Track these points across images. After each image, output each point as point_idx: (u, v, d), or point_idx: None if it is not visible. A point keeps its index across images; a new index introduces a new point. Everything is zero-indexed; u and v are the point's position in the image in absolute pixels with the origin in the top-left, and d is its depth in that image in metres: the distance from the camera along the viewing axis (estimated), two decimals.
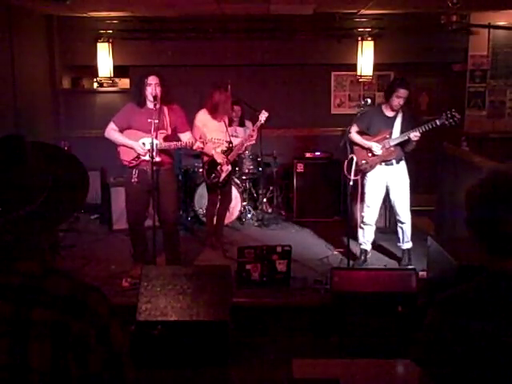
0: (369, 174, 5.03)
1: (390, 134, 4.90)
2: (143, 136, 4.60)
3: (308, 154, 6.92)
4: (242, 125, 6.15)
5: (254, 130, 5.44)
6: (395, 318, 3.87)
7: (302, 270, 4.96)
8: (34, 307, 1.22)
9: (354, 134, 5.02)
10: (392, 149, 4.91)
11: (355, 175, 4.92)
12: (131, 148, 4.64)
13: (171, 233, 4.92)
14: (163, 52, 7.09)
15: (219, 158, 5.31)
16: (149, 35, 7.11)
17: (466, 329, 1.32)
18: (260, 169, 6.61)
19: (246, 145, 5.60)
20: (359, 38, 7.09)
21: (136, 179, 4.66)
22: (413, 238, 5.15)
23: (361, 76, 7.19)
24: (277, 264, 4.58)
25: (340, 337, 3.92)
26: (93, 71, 7.34)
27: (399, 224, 5.12)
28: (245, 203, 6.64)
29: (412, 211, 5.12)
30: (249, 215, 6.72)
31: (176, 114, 4.76)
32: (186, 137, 4.81)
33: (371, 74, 7.14)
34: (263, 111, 5.24)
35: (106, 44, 7.07)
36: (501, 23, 7.03)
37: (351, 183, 4.90)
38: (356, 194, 5.13)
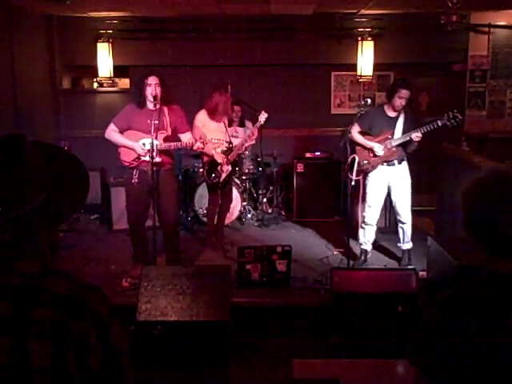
0: (370, 174, 5.03)
1: (392, 134, 4.90)
2: (143, 137, 4.60)
3: (308, 154, 6.92)
4: (242, 125, 6.15)
5: (253, 133, 5.45)
6: (395, 317, 3.87)
7: (302, 270, 4.96)
8: (34, 307, 1.22)
9: (356, 134, 5.02)
10: (394, 149, 4.91)
11: (357, 175, 4.92)
12: (131, 149, 4.65)
13: (171, 233, 4.92)
14: (163, 52, 7.09)
15: (219, 158, 5.32)
16: (149, 35, 7.11)
17: (462, 329, 1.32)
18: (260, 169, 6.61)
19: (245, 145, 5.61)
20: (359, 38, 7.09)
21: (136, 180, 4.66)
22: (413, 238, 5.15)
23: (361, 76, 7.19)
24: (277, 264, 4.58)
25: (340, 337, 3.92)
26: (93, 71, 7.35)
27: (400, 224, 5.12)
28: (245, 203, 6.64)
29: (412, 211, 5.12)
30: (249, 215, 6.72)
31: (176, 114, 4.76)
32: (186, 137, 4.81)
33: (371, 74, 7.14)
34: (263, 112, 5.24)
35: (106, 44, 7.07)
36: (501, 23, 7.03)
37: (353, 183, 4.90)
38: (357, 193, 5.13)
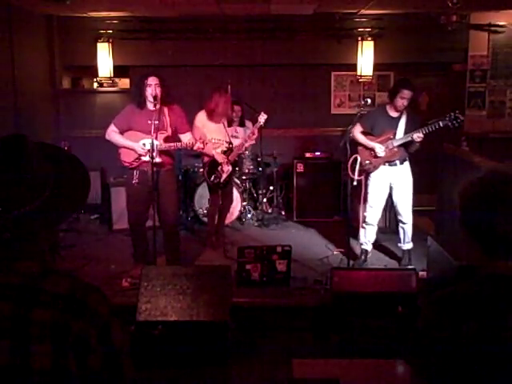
0: (372, 175, 5.03)
1: (394, 134, 4.90)
2: (144, 137, 4.61)
3: (308, 154, 6.92)
4: (242, 125, 6.16)
5: (253, 133, 5.45)
6: (395, 318, 3.87)
7: (302, 270, 4.96)
8: (34, 307, 1.22)
9: (358, 134, 5.02)
10: (395, 149, 4.91)
11: (359, 175, 4.93)
12: (132, 149, 4.65)
13: (171, 233, 4.93)
14: (163, 52, 7.09)
15: (220, 158, 5.33)
16: (149, 35, 7.10)
17: (457, 329, 1.31)
18: (260, 169, 6.61)
19: (246, 145, 5.61)
20: (359, 38, 7.09)
21: (137, 180, 4.67)
22: (413, 238, 5.15)
23: (361, 76, 7.19)
24: (277, 264, 4.58)
25: (340, 337, 3.92)
26: (93, 71, 7.34)
27: (401, 224, 5.12)
28: (245, 203, 6.64)
29: (412, 211, 5.12)
30: (249, 215, 6.72)
31: (176, 114, 4.76)
32: (186, 137, 4.81)
33: (371, 74, 7.14)
34: (262, 113, 5.25)
35: (106, 44, 7.06)
36: (501, 23, 7.03)
37: (355, 183, 4.91)
38: (357, 193, 5.13)
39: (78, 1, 5.78)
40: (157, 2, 5.87)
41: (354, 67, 7.16)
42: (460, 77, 7.29)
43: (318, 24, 7.06)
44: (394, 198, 5.06)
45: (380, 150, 4.89)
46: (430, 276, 4.44)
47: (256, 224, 6.65)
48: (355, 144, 5.05)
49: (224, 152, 5.39)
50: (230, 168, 5.44)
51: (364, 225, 5.15)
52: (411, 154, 4.98)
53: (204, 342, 3.64)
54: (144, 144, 4.60)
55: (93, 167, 6.18)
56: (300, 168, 6.80)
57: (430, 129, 4.70)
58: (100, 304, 1.28)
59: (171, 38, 7.09)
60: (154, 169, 4.56)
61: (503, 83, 7.27)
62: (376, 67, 7.12)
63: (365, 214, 5.11)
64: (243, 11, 6.54)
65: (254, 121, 5.46)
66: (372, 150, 4.94)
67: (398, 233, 5.23)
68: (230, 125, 5.64)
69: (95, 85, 7.99)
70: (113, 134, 4.72)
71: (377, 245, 5.40)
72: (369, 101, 5.17)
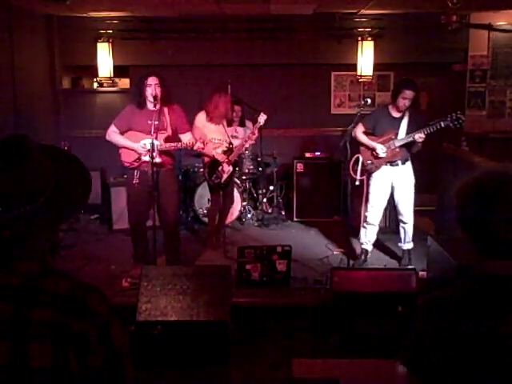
0: (374, 175, 5.03)
1: (396, 134, 4.89)
2: (144, 137, 4.61)
3: (308, 154, 6.92)
4: (242, 125, 6.15)
5: (253, 133, 5.46)
6: (395, 318, 3.87)
7: (302, 270, 4.96)
8: (34, 307, 1.22)
9: (360, 134, 5.01)
10: (397, 150, 4.91)
11: (361, 175, 4.94)
12: (132, 150, 4.66)
13: (171, 234, 4.93)
14: (163, 52, 7.09)
15: (220, 158, 5.34)
16: (149, 35, 7.11)
17: (451, 329, 1.32)
18: (260, 169, 6.61)
19: (246, 145, 5.62)
20: (359, 38, 7.08)
21: (137, 180, 4.67)
22: (413, 238, 5.15)
23: (361, 76, 7.19)
24: (277, 264, 4.58)
25: (340, 337, 3.92)
26: (93, 71, 7.34)
27: (401, 224, 5.13)
28: (245, 203, 6.65)
29: (413, 211, 5.12)
30: (249, 215, 6.72)
31: (176, 114, 4.76)
32: (186, 137, 4.81)
33: (371, 73, 7.14)
34: (262, 113, 5.26)
35: (106, 44, 7.06)
36: (501, 23, 7.03)
37: (357, 183, 4.91)
38: (358, 193, 5.14)
39: (78, 1, 5.78)
40: (157, 1, 5.87)
41: (354, 67, 7.16)
42: (460, 77, 7.29)
43: (318, 24, 7.06)
44: (396, 198, 5.06)
45: (381, 150, 4.89)
46: (430, 276, 4.44)
47: (256, 224, 6.65)
48: (357, 144, 5.05)
49: (224, 152, 5.39)
50: (231, 168, 5.44)
51: (365, 224, 5.15)
52: (413, 154, 4.98)
53: (204, 341, 3.64)
54: (144, 144, 4.60)
55: (93, 167, 6.16)
56: (300, 168, 6.80)
57: (432, 129, 4.69)
58: (100, 304, 1.28)
59: (171, 37, 7.09)
60: (155, 169, 4.56)
61: (503, 83, 7.26)
62: (376, 67, 7.12)
63: (366, 213, 5.11)
64: (243, 11, 6.54)
65: (254, 121, 5.46)
66: (374, 150, 4.94)
67: (398, 232, 5.23)
68: (230, 125, 5.64)
69: (95, 85, 7.98)
70: (113, 134, 4.73)
71: (377, 244, 5.41)
72: (369, 101, 5.16)
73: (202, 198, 6.35)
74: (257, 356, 3.82)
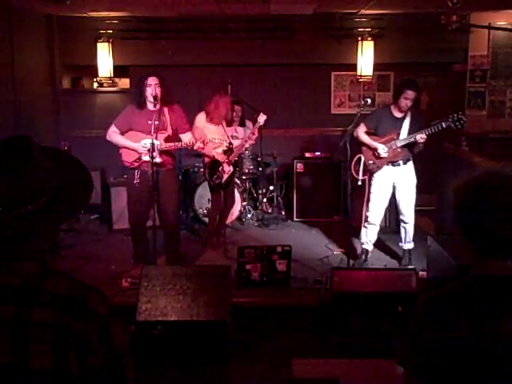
0: (376, 175, 5.04)
1: (398, 135, 4.89)
2: (144, 137, 4.61)
3: (308, 154, 6.92)
4: (242, 125, 6.16)
5: (253, 133, 5.46)
6: (395, 318, 3.87)
7: (302, 270, 4.96)
8: (35, 308, 1.22)
9: (362, 134, 5.02)
10: (399, 150, 4.91)
11: (363, 175, 4.94)
12: (133, 150, 4.66)
13: (172, 234, 4.94)
14: (163, 52, 7.09)
15: (220, 158, 5.35)
16: (149, 35, 7.11)
17: (448, 329, 1.32)
18: (260, 169, 6.61)
19: (246, 145, 5.62)
20: (359, 38, 7.08)
21: (138, 180, 4.68)
22: (413, 238, 5.16)
23: (361, 76, 7.19)
24: (277, 264, 4.58)
25: (340, 337, 3.92)
26: (93, 71, 7.34)
27: (402, 224, 5.13)
28: (245, 203, 6.65)
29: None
30: (249, 215, 6.72)
31: (176, 114, 4.77)
32: (186, 137, 4.82)
33: (371, 73, 7.14)
34: (261, 114, 5.26)
35: (106, 44, 7.06)
36: (501, 23, 7.03)
37: (359, 183, 4.92)
38: (359, 193, 5.14)
39: (78, 1, 5.78)
40: (157, 1, 5.87)
41: (354, 67, 7.16)
42: (460, 77, 7.29)
43: (318, 24, 7.06)
44: (397, 198, 5.06)
45: (383, 150, 4.89)
46: (430, 276, 4.44)
47: (256, 224, 6.65)
48: (358, 144, 5.05)
49: (224, 152, 5.40)
50: (231, 168, 5.44)
51: (366, 224, 5.15)
52: (415, 154, 4.97)
53: (204, 341, 3.64)
54: (145, 144, 4.60)
55: (93, 167, 6.16)
56: (300, 168, 6.80)
57: (433, 130, 4.69)
58: (100, 304, 1.28)
59: (171, 37, 7.09)
60: (155, 169, 4.57)
61: (503, 83, 7.26)
62: (376, 67, 7.12)
63: (367, 213, 5.11)
64: (243, 11, 6.53)
65: (255, 121, 5.47)
66: (375, 150, 4.95)
67: (398, 232, 5.24)
68: (230, 125, 5.64)
69: (95, 85, 7.98)
70: (113, 134, 4.73)
71: (377, 244, 5.41)
72: (369, 101, 5.16)
73: (202, 198, 6.35)
74: (257, 356, 3.82)
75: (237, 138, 5.64)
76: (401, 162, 4.97)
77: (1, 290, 1.24)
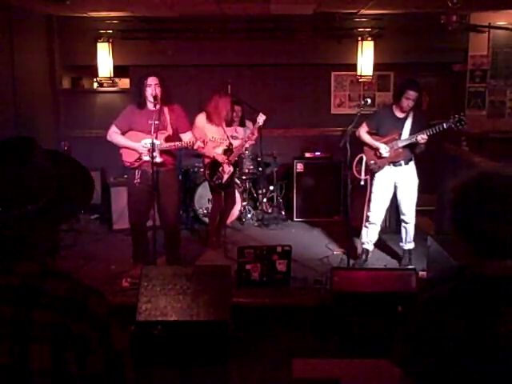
0: (377, 174, 5.04)
1: (399, 135, 4.89)
2: (145, 137, 4.61)
3: (308, 154, 6.92)
4: (242, 125, 6.16)
5: (253, 133, 5.46)
6: (395, 318, 3.87)
7: (302, 270, 4.96)
8: (34, 308, 1.22)
9: (364, 134, 5.02)
10: (400, 150, 4.91)
11: (364, 175, 4.95)
12: (133, 149, 4.66)
13: (172, 234, 4.94)
14: (163, 52, 7.09)
15: (220, 159, 5.35)
16: (149, 35, 7.11)
17: (444, 329, 1.31)
18: (260, 169, 6.61)
19: (246, 145, 5.62)
20: (359, 38, 7.08)
21: (138, 180, 4.68)
22: (413, 238, 5.16)
23: (361, 76, 7.18)
24: (277, 264, 4.58)
25: (340, 337, 3.92)
26: (93, 71, 7.34)
27: (403, 224, 5.13)
28: (245, 203, 6.65)
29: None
30: (249, 215, 6.72)
31: (176, 114, 4.77)
32: (187, 137, 4.82)
33: (371, 74, 7.14)
34: (260, 114, 5.26)
35: (106, 44, 7.06)
36: (501, 23, 7.03)
37: (362, 183, 4.93)
38: (357, 193, 5.14)
39: (78, 1, 5.78)
40: (157, 1, 5.87)
41: (354, 67, 7.16)
42: (460, 77, 7.29)
43: (318, 24, 7.06)
44: (398, 198, 5.07)
45: (384, 150, 4.90)
46: (430, 276, 4.44)
47: (256, 224, 6.65)
48: (359, 144, 5.06)
49: (224, 152, 5.40)
50: (231, 169, 5.45)
51: (367, 224, 5.15)
52: (418, 154, 4.97)
53: (204, 341, 3.64)
54: (145, 144, 4.60)
55: (93, 167, 6.15)
56: (300, 168, 6.80)
57: (434, 130, 4.69)
58: (100, 305, 1.28)
59: (171, 37, 7.09)
60: (156, 168, 4.57)
61: (503, 83, 7.26)
62: (376, 67, 7.12)
63: (368, 213, 5.12)
64: (243, 11, 6.54)
65: (254, 121, 5.47)
66: (377, 149, 4.95)
67: (398, 232, 5.24)
68: (230, 125, 5.64)
69: (95, 85, 7.98)
70: (114, 134, 4.74)
71: (377, 244, 5.41)
72: (369, 101, 5.16)
73: (202, 198, 6.35)
74: (257, 356, 3.82)
75: (237, 138, 5.64)
76: (402, 162, 4.97)
77: (1, 290, 1.24)
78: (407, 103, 4.77)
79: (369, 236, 5.16)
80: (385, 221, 6.11)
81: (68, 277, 1.32)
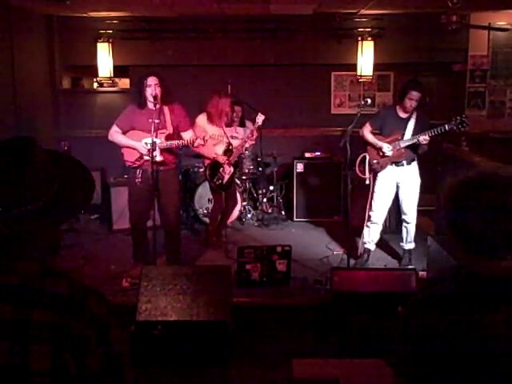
0: (380, 174, 5.05)
1: (402, 135, 4.90)
2: (146, 136, 4.61)
3: (308, 154, 6.92)
4: (242, 125, 6.16)
5: (252, 133, 5.46)
6: (395, 317, 3.87)
7: (302, 270, 4.96)
8: (34, 308, 1.22)
9: (368, 133, 5.03)
10: (402, 150, 4.92)
11: (368, 174, 4.97)
12: (134, 149, 4.67)
13: (172, 234, 4.93)
14: (163, 52, 7.09)
15: (221, 159, 5.35)
16: (149, 35, 7.11)
17: (436, 329, 1.32)
18: (260, 169, 6.61)
19: (246, 145, 5.62)
20: (359, 38, 7.09)
21: (139, 179, 4.68)
22: (414, 238, 5.16)
23: (361, 76, 7.19)
24: (277, 264, 4.58)
25: (340, 337, 3.92)
26: (93, 71, 7.35)
27: (404, 224, 5.14)
28: (245, 203, 6.65)
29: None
30: (249, 215, 6.72)
31: (177, 113, 4.78)
32: (188, 135, 4.82)
33: (371, 74, 7.14)
34: (259, 114, 5.26)
35: (106, 44, 7.06)
36: (501, 23, 7.03)
37: (367, 182, 4.94)
38: (357, 193, 5.14)
39: (78, 1, 5.79)
40: (157, 1, 5.87)
41: (354, 67, 7.16)
42: (460, 77, 7.29)
43: (318, 24, 7.06)
44: (400, 197, 5.07)
45: (387, 149, 4.91)
46: (429, 276, 4.44)
47: (256, 224, 6.65)
48: (359, 143, 5.06)
49: (224, 152, 5.40)
50: (232, 169, 5.45)
51: (369, 223, 5.15)
52: (420, 155, 4.97)
53: (204, 341, 3.64)
54: (146, 143, 4.61)
55: (93, 167, 6.15)
56: (300, 168, 6.80)
57: (436, 132, 4.70)
58: (99, 306, 1.28)
59: (171, 37, 7.09)
60: (157, 167, 4.58)
61: (503, 83, 7.27)
62: (376, 67, 7.12)
63: (370, 212, 5.12)
64: (243, 11, 6.54)
65: (254, 121, 5.47)
66: (380, 149, 4.95)
67: (399, 232, 5.25)
68: (230, 125, 5.65)
69: (95, 85, 7.99)
70: (115, 134, 4.74)
71: (378, 244, 5.41)
72: (369, 101, 5.16)
73: (202, 198, 6.36)
74: (257, 356, 3.82)
75: (237, 138, 5.64)
76: (404, 162, 4.97)
77: (1, 289, 1.24)
78: (410, 103, 4.78)
79: (371, 236, 5.16)
80: (385, 221, 6.11)
81: (68, 277, 1.32)
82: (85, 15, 6.86)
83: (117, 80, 7.78)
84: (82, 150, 6.08)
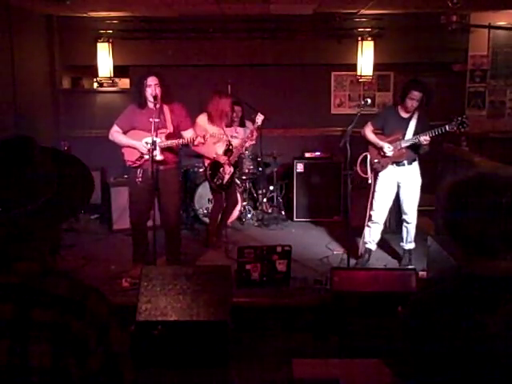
0: (381, 174, 5.05)
1: (403, 135, 4.90)
2: (146, 135, 4.61)
3: (308, 154, 6.92)
4: (242, 125, 6.17)
5: (252, 134, 5.46)
6: (395, 317, 3.87)
7: (302, 270, 4.96)
8: (34, 308, 1.22)
9: (369, 133, 5.04)
10: (403, 150, 4.92)
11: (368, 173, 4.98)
12: (135, 148, 4.67)
13: (173, 234, 4.94)
14: (163, 52, 7.09)
15: (221, 159, 5.36)
16: (149, 35, 7.11)
17: (433, 329, 1.32)
18: (260, 169, 6.61)
19: (246, 145, 5.62)
20: (359, 38, 7.09)
21: (140, 179, 4.68)
22: (414, 238, 5.16)
23: (361, 76, 7.19)
24: (277, 264, 4.58)
25: (340, 337, 3.92)
26: (93, 71, 7.35)
27: (405, 224, 5.14)
28: (245, 203, 6.65)
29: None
30: (249, 215, 6.72)
31: (177, 112, 4.78)
32: (188, 134, 4.83)
33: (371, 74, 7.14)
34: (259, 114, 5.26)
35: (106, 44, 7.07)
36: (501, 23, 7.03)
37: (370, 181, 4.95)
38: (357, 193, 5.15)
39: (78, 1, 5.79)
40: (157, 1, 5.87)
41: (354, 67, 7.17)
42: (460, 77, 7.29)
43: (318, 24, 7.07)
44: (401, 197, 5.08)
45: (388, 149, 4.91)
46: (429, 276, 4.44)
47: (256, 224, 6.65)
48: (361, 143, 5.07)
49: (224, 153, 5.40)
50: (232, 169, 5.45)
51: (369, 223, 5.15)
52: (422, 155, 4.97)
53: (204, 342, 3.64)
54: (146, 143, 4.61)
55: (93, 167, 6.09)
56: (300, 168, 6.80)
57: (437, 132, 4.71)
58: (100, 305, 1.28)
59: (171, 37, 7.09)
60: (157, 167, 4.58)
61: (503, 83, 7.27)
62: (376, 67, 7.12)
63: (371, 212, 5.12)
64: (243, 11, 6.54)
65: (254, 121, 5.47)
66: (381, 148, 4.96)
67: (399, 232, 5.25)
68: (230, 125, 5.65)
69: (95, 85, 7.99)
70: (116, 134, 4.75)
71: (378, 244, 5.41)
72: (369, 101, 5.16)
73: (202, 198, 6.36)
74: (257, 356, 3.82)
75: (236, 138, 5.64)
76: (405, 162, 4.98)
77: (1, 289, 1.24)
78: (411, 103, 4.78)
79: (371, 235, 5.16)
80: (385, 221, 6.11)
81: (68, 276, 1.32)
82: (85, 15, 6.86)
83: (117, 80, 7.78)
84: (81, 150, 6.04)
